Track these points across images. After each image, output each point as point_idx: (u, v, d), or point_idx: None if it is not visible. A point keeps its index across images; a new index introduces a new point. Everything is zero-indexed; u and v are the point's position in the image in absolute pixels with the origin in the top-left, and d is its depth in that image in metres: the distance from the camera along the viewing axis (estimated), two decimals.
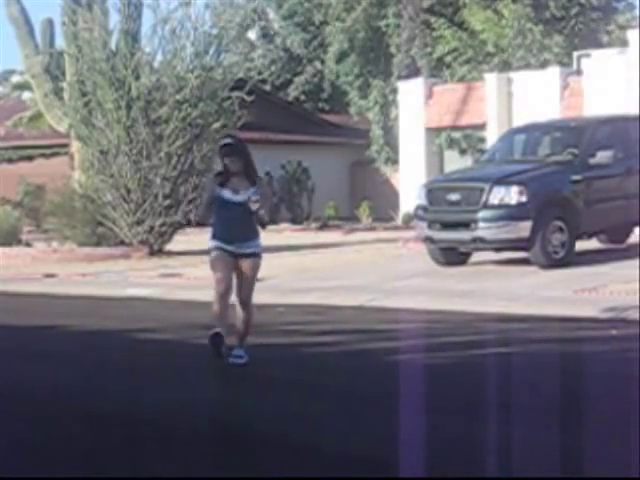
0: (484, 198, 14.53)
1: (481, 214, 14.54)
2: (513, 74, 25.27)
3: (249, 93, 20.86)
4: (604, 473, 5.37)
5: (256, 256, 8.90)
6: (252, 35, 41.08)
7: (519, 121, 21.36)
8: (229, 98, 20.67)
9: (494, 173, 15.37)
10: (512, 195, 14.45)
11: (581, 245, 15.35)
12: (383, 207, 29.72)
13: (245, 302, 8.91)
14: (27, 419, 7.21)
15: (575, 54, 24.91)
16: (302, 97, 39.92)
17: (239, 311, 8.93)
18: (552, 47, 27.18)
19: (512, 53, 27.45)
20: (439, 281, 14.07)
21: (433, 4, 30.50)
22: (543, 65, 26.30)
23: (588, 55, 23.32)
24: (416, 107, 26.91)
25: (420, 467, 5.51)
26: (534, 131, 17.05)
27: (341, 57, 32.27)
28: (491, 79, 25.15)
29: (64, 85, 24.27)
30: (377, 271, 15.66)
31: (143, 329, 11.35)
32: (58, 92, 25.71)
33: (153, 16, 20.50)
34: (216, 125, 20.45)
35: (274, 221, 30.28)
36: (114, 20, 21.32)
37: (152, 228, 20.55)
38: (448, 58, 29.01)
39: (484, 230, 14.55)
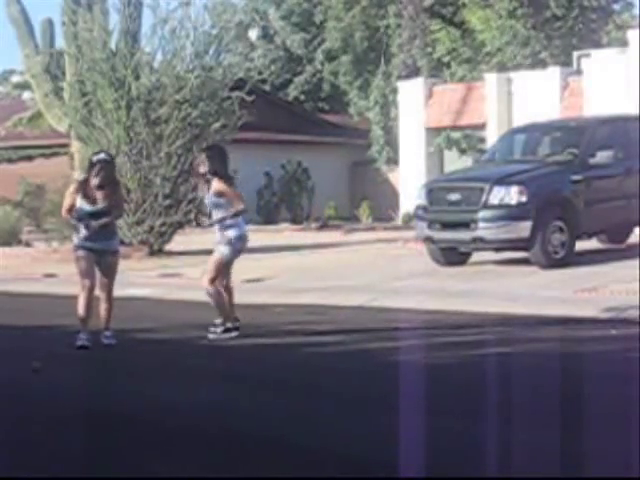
0: (484, 198, 14.53)
1: (481, 214, 14.53)
2: (513, 74, 25.25)
3: (249, 93, 20.85)
4: (604, 473, 5.37)
5: None
6: (252, 35, 41.08)
7: (519, 121, 21.35)
8: (229, 98, 20.66)
9: (494, 173, 15.36)
10: (512, 195, 14.44)
11: (581, 245, 15.34)
12: (383, 207, 29.71)
13: None
14: (27, 419, 7.21)
15: (575, 54, 24.89)
16: (302, 97, 39.92)
17: None
18: (549, 48, 27.14)
19: (507, 52, 27.39)
20: (439, 281, 14.06)
21: (433, 4, 30.49)
22: (536, 65, 26.27)
23: (588, 55, 23.30)
24: (416, 107, 26.90)
25: (420, 467, 5.51)
26: (534, 131, 17.04)
27: (334, 56, 32.19)
28: (491, 79, 25.13)
29: (64, 85, 24.25)
30: (377, 271, 15.64)
31: (143, 329, 11.35)
32: (58, 92, 25.67)
33: (153, 16, 20.53)
34: (216, 125, 20.43)
35: (274, 221, 30.35)
36: (114, 20, 21.34)
37: (152, 228, 20.54)
38: (447, 58, 28.99)
39: (484, 230, 14.54)
